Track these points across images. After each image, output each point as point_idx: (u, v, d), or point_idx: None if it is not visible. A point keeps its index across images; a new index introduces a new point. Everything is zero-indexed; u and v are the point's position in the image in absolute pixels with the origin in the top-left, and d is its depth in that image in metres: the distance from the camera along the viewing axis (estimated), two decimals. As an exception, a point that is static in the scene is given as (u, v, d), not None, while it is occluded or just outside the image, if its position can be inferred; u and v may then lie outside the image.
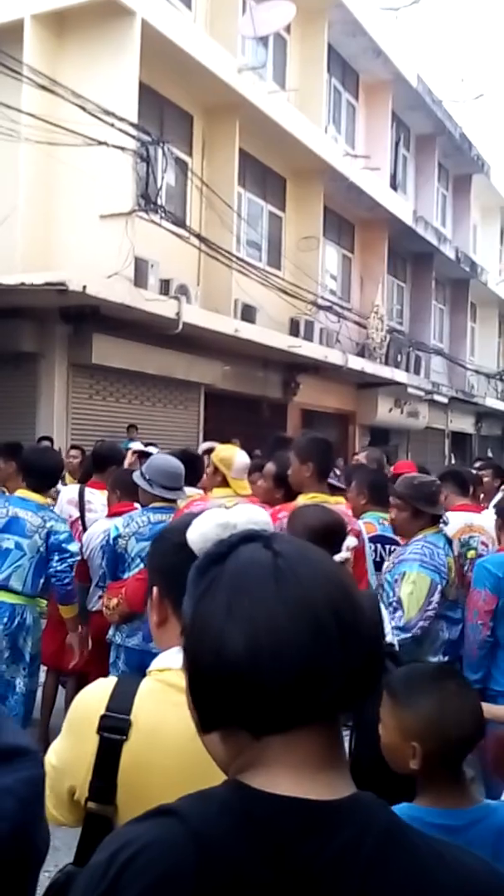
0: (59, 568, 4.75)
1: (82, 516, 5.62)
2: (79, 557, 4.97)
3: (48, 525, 4.75)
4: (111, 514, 5.13)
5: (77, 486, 5.88)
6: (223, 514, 1.19)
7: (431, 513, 4.13)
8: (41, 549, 4.72)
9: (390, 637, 2.99)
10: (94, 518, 5.55)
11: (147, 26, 11.44)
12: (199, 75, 12.76)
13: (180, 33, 12.09)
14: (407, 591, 3.80)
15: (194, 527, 1.19)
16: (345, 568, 2.81)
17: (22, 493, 4.89)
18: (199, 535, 1.15)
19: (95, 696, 1.59)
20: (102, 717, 1.53)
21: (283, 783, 0.91)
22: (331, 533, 3.07)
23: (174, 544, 1.65)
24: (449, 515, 5.30)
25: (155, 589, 1.69)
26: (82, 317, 11.57)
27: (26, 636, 4.75)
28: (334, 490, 4.49)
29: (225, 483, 4.48)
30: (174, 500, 4.50)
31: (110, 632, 4.54)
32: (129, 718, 1.53)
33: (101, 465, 5.79)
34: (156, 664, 1.65)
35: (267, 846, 0.87)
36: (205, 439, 12.19)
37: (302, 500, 4.14)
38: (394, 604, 3.82)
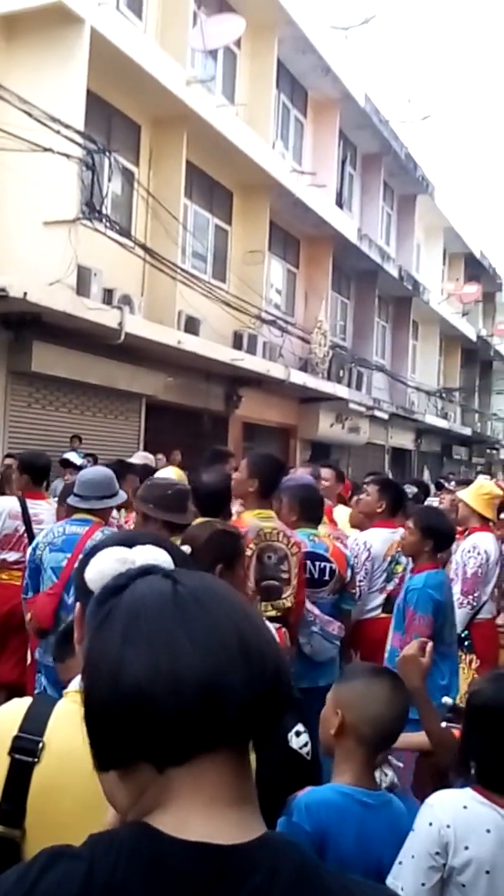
0: None
1: (29, 529, 5.51)
2: None
3: None
4: None
5: (15, 499, 5.75)
6: (122, 551, 1.18)
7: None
8: None
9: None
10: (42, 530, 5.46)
11: (96, 35, 11.39)
12: (147, 86, 12.74)
13: (130, 43, 12.06)
14: None
15: (92, 565, 1.16)
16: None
17: None
18: (97, 573, 1.13)
19: (9, 715, 1.55)
20: (14, 738, 1.49)
21: (193, 825, 0.88)
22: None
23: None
24: (378, 531, 5.36)
25: (78, 605, 1.66)
26: (23, 324, 11.42)
27: None
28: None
29: None
30: (94, 511, 4.42)
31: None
32: (41, 740, 1.49)
33: (40, 476, 5.70)
34: (73, 685, 1.62)
35: (176, 895, 0.85)
36: (145, 450, 12.10)
37: (246, 515, 4.17)
38: None
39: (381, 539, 5.30)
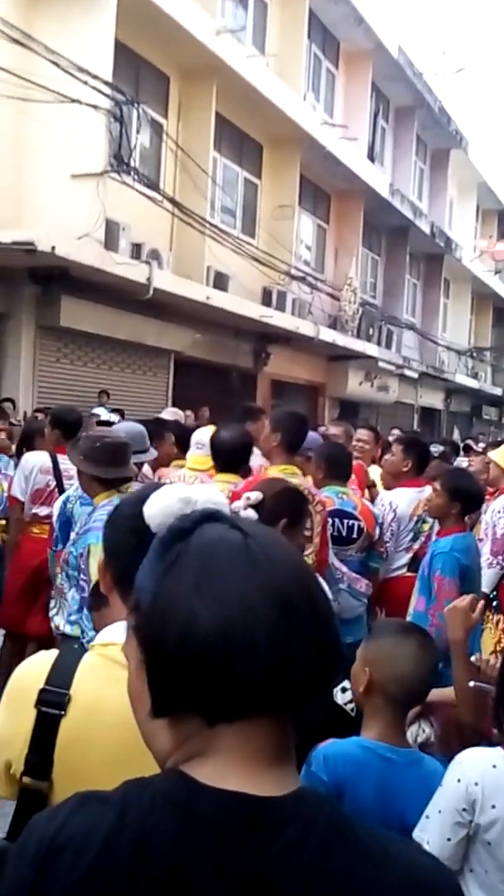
0: None
1: (59, 484, 5.50)
2: None
3: None
4: None
5: (46, 454, 5.75)
6: (184, 488, 1.15)
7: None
8: None
9: None
10: (74, 484, 5.47)
11: (124, -18, 11.18)
12: (176, 36, 12.52)
13: (159, -9, 11.83)
14: None
15: (153, 501, 1.13)
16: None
17: None
18: (159, 510, 1.10)
19: (35, 668, 1.55)
20: (41, 691, 1.49)
21: (231, 777, 0.88)
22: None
23: (123, 516, 1.60)
24: (404, 491, 5.31)
25: (102, 559, 1.65)
26: (51, 278, 11.39)
27: None
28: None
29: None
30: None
31: None
32: (68, 693, 1.49)
33: (71, 432, 5.68)
34: (99, 638, 1.61)
35: (209, 843, 0.84)
36: (173, 406, 12.09)
37: (272, 471, 4.14)
38: None
39: (407, 499, 5.22)
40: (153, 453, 4.61)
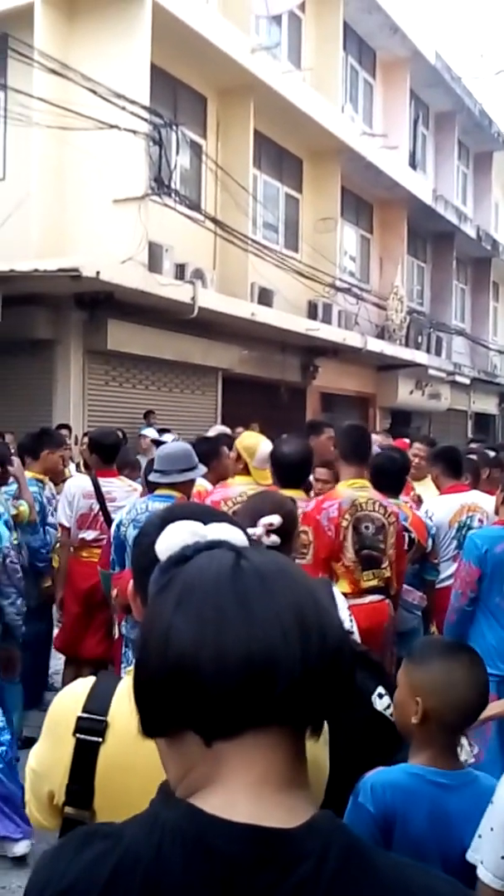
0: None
1: (104, 508, 5.52)
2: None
3: None
4: None
5: (88, 478, 5.79)
6: (196, 525, 1.14)
7: None
8: None
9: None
10: (119, 507, 5.45)
11: (158, 7, 11.30)
12: (212, 56, 12.62)
13: (192, 14, 11.94)
14: None
15: (164, 536, 1.13)
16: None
17: None
18: (167, 546, 1.09)
19: (73, 696, 1.54)
20: (79, 719, 1.48)
21: (241, 807, 0.85)
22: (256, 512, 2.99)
23: (146, 539, 1.59)
24: (442, 498, 5.24)
25: (131, 584, 1.63)
26: (97, 303, 11.51)
27: None
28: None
29: (247, 471, 4.46)
30: (176, 485, 4.41)
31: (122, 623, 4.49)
32: (105, 719, 1.47)
33: (112, 455, 5.71)
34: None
35: (219, 879, 0.81)
36: (223, 424, 12.12)
37: (340, 486, 4.21)
38: None
39: (446, 507, 5.15)
40: (202, 469, 4.59)
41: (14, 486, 5.64)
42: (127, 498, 5.42)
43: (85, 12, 11.68)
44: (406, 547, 4.62)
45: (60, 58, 11.05)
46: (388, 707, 2.37)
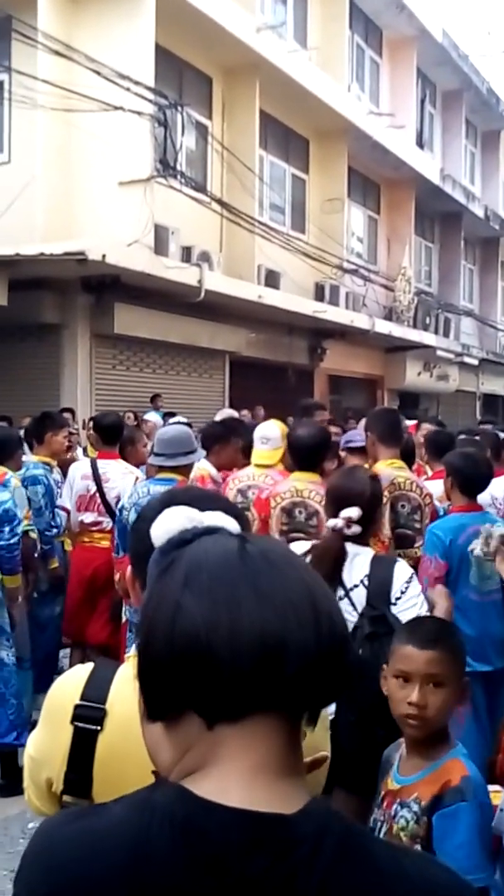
0: (10, 541, 4.62)
1: (100, 489, 5.55)
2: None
3: None
4: None
5: (88, 461, 5.80)
6: (192, 511, 1.14)
7: None
8: None
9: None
10: (113, 488, 5.48)
11: (162, -13, 11.21)
12: (217, 36, 12.52)
13: (196, -7, 11.83)
14: None
15: (159, 521, 1.12)
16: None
17: None
18: (164, 530, 1.09)
19: (71, 683, 1.53)
20: (77, 707, 1.46)
21: (235, 791, 0.83)
22: (341, 498, 3.01)
23: (145, 522, 1.57)
24: (428, 484, 5.20)
25: (129, 568, 1.62)
26: (103, 286, 11.49)
27: (0, 610, 4.71)
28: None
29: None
30: (177, 469, 4.39)
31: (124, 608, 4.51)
32: (103, 707, 1.46)
33: (112, 436, 5.72)
34: (134, 650, 1.58)
35: (210, 863, 0.80)
36: (230, 407, 12.10)
37: (379, 465, 4.21)
38: None
39: (436, 491, 5.15)
40: (201, 453, 4.59)
41: (27, 472, 5.68)
42: (122, 479, 5.45)
43: (89, -7, 11.59)
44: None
45: (64, 39, 10.96)
46: None
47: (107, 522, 5.52)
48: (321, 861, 0.81)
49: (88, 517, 5.60)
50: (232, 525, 1.09)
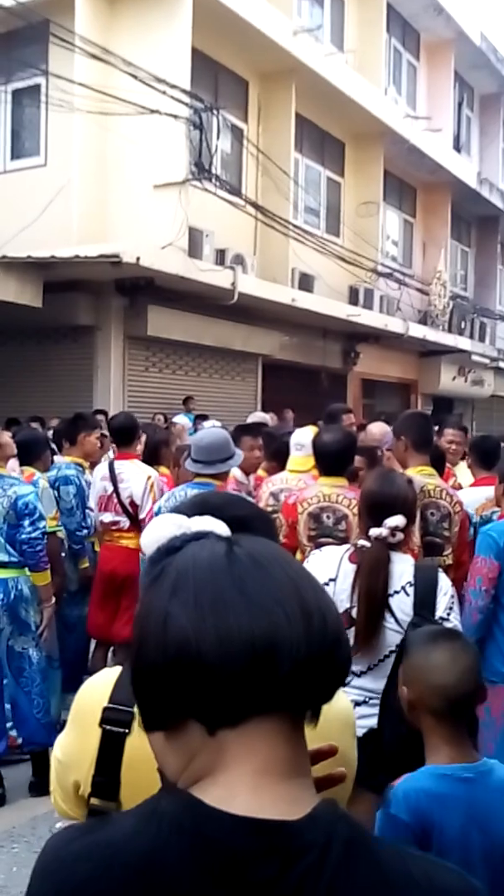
0: (32, 534, 4.64)
1: (116, 489, 5.59)
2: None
3: (10, 491, 4.65)
4: None
5: (107, 462, 5.86)
6: (179, 518, 1.13)
7: None
8: (8, 517, 4.63)
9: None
10: (126, 489, 5.54)
11: (199, -10, 11.24)
12: (253, 39, 12.53)
13: (234, -4, 11.85)
14: None
15: (148, 530, 1.12)
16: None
17: None
18: (153, 539, 1.08)
19: (99, 686, 1.52)
20: (105, 710, 1.46)
21: (240, 797, 0.83)
22: (381, 505, 2.97)
23: None
24: (468, 491, 5.14)
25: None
26: (137, 289, 11.54)
27: (27, 607, 4.73)
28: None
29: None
30: (216, 475, 4.39)
31: None
32: (132, 710, 1.45)
33: (123, 437, 5.77)
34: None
35: (218, 872, 0.79)
36: (263, 410, 12.10)
37: (409, 472, 4.12)
38: None
39: (472, 499, 5.05)
40: (240, 457, 4.58)
41: (59, 472, 5.73)
42: (135, 479, 5.52)
43: (126, -4, 11.65)
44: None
45: (101, 43, 11.03)
46: None
47: (124, 522, 5.59)
48: (328, 866, 0.81)
49: (107, 517, 5.67)
50: (221, 528, 1.07)
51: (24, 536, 4.62)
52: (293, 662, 0.84)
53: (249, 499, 4.00)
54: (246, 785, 0.84)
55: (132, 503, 5.54)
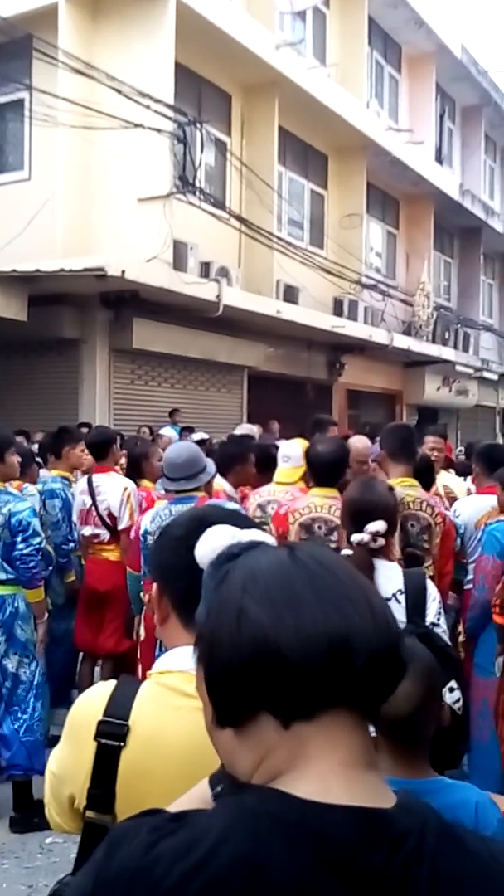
0: (24, 551, 4.57)
1: (94, 502, 5.64)
2: (43, 538, 4.80)
3: (5, 509, 4.59)
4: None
5: (85, 476, 5.90)
6: (234, 529, 1.18)
7: None
8: (3, 534, 4.58)
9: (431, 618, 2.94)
10: (103, 501, 5.59)
11: (182, 5, 11.29)
12: (236, 53, 12.60)
13: (216, 11, 11.92)
14: None
15: (203, 541, 1.14)
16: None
17: None
18: (209, 548, 1.10)
19: (94, 700, 1.53)
20: (100, 723, 1.47)
21: (337, 789, 0.85)
22: (362, 511, 3.00)
23: (173, 538, 1.58)
24: (472, 498, 5.16)
25: (155, 585, 1.62)
26: (122, 301, 11.55)
27: (23, 624, 4.69)
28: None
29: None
30: (195, 489, 4.37)
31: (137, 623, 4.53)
32: (126, 724, 1.46)
33: (98, 451, 5.81)
34: (157, 666, 1.58)
35: (332, 863, 0.81)
36: (248, 422, 12.11)
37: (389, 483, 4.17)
38: None
39: (475, 507, 5.04)
40: (211, 470, 4.54)
41: (45, 486, 5.73)
42: (111, 492, 5.57)
43: (109, 11, 11.70)
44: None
45: (85, 57, 11.08)
46: (458, 701, 2.35)
47: (104, 535, 5.65)
48: (427, 851, 0.84)
49: (87, 530, 5.74)
50: (271, 541, 1.11)
51: (16, 553, 4.58)
52: (368, 656, 0.87)
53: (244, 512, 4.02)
54: (337, 777, 0.86)
55: (110, 515, 5.60)
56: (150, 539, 4.44)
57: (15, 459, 4.84)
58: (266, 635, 0.86)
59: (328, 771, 0.86)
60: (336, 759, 0.86)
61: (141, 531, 4.55)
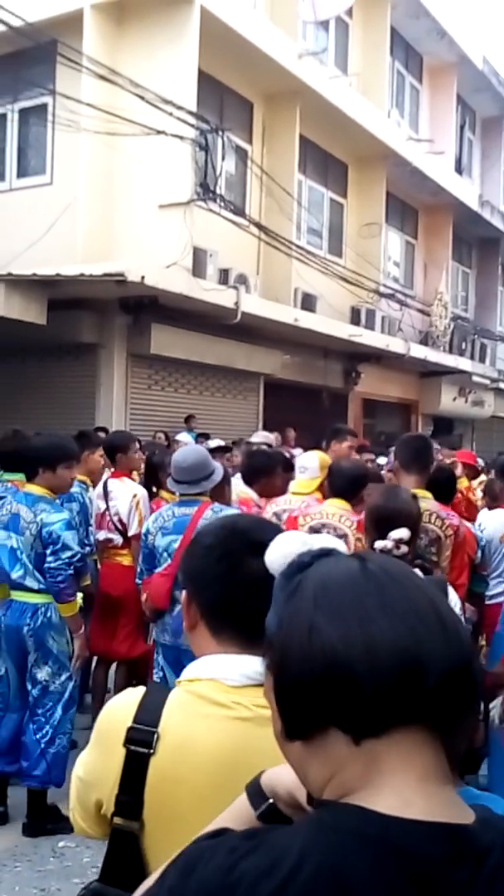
0: (52, 564, 4.44)
1: (108, 507, 5.72)
2: (78, 552, 4.65)
3: (38, 518, 4.49)
4: None
5: (102, 481, 5.96)
6: (305, 535, 1.16)
7: None
8: (34, 544, 4.50)
9: None
10: (114, 506, 5.67)
11: (206, 13, 11.36)
12: (259, 62, 12.64)
13: (240, 20, 11.98)
14: None
15: (274, 547, 1.14)
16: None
17: (28, 486, 4.70)
18: (280, 555, 1.10)
19: (123, 706, 1.52)
20: (129, 729, 1.46)
21: (418, 805, 0.84)
22: (385, 518, 3.01)
23: (204, 546, 1.58)
24: (497, 512, 5.12)
25: (184, 592, 1.62)
26: (141, 307, 11.59)
27: (56, 635, 4.55)
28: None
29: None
30: (200, 493, 4.37)
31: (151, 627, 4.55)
32: (156, 731, 1.46)
33: (111, 456, 5.90)
34: (185, 674, 1.58)
35: (416, 880, 0.80)
36: (264, 429, 12.12)
37: None
38: None
39: (498, 521, 5.04)
40: (219, 474, 4.52)
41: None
42: (122, 498, 5.63)
43: (133, 19, 11.77)
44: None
45: (109, 64, 11.12)
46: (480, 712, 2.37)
47: (117, 539, 5.71)
48: None
49: (101, 535, 5.78)
50: (342, 547, 1.10)
51: (45, 566, 4.48)
52: (440, 676, 0.85)
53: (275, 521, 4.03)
54: (417, 792, 0.85)
55: (120, 521, 5.65)
56: (150, 539, 4.46)
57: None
58: (336, 652, 0.86)
59: (405, 786, 0.85)
60: (412, 775, 0.85)
61: (143, 530, 4.58)
